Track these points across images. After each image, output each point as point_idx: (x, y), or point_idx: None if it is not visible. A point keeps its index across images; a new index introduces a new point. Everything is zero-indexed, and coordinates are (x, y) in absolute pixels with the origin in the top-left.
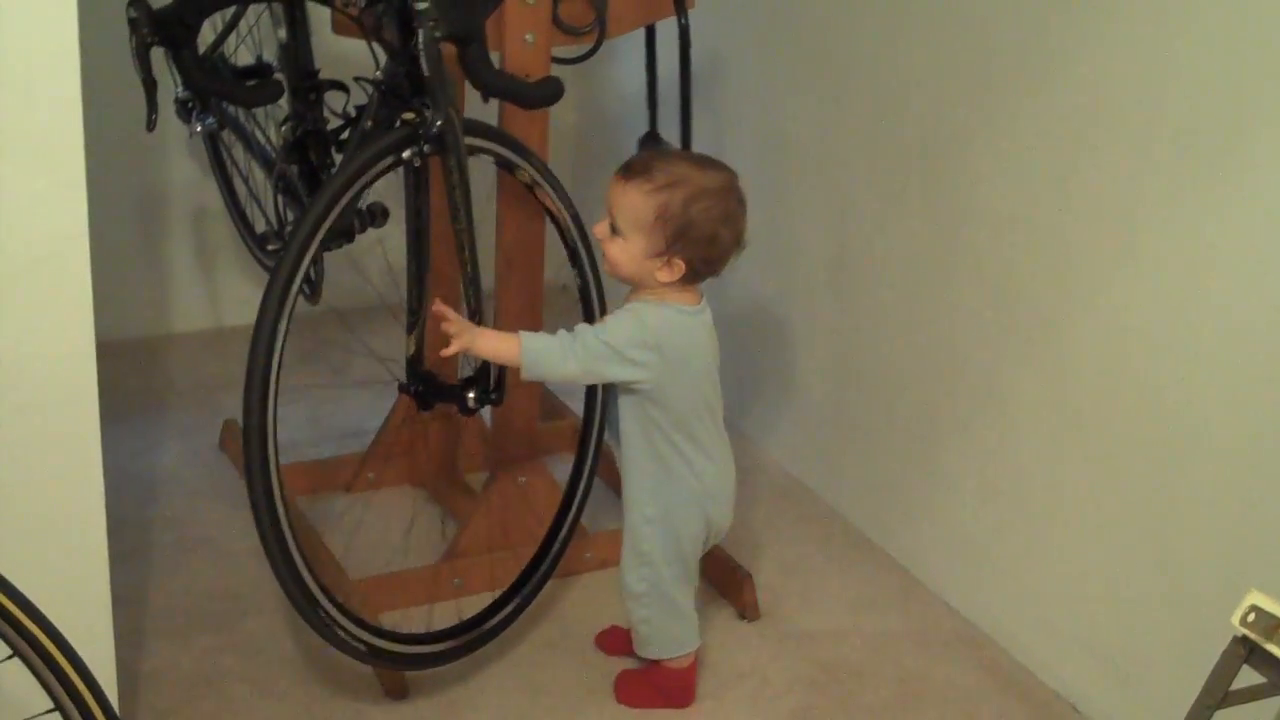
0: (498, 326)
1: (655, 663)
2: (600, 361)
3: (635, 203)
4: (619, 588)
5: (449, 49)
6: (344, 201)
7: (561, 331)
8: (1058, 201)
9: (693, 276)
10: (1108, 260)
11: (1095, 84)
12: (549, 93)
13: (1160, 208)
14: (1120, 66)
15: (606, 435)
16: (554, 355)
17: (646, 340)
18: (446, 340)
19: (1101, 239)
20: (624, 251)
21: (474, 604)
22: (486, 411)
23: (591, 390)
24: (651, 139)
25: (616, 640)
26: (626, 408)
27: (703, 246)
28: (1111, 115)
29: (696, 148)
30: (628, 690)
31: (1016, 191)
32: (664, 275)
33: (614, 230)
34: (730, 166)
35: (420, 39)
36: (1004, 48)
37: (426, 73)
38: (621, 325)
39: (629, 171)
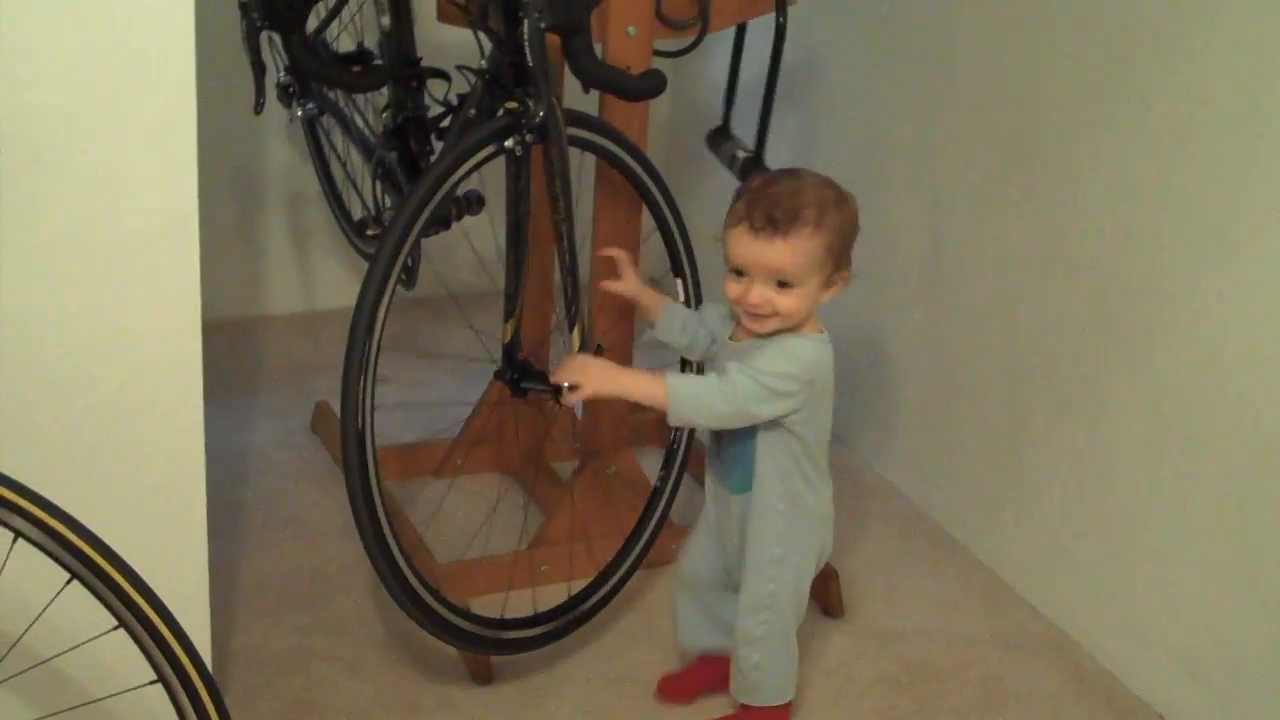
0: (593, 319)
1: (746, 710)
2: (754, 402)
3: (808, 250)
4: (737, 632)
5: (552, 39)
6: (446, 188)
7: (709, 374)
8: (1157, 204)
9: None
10: (1206, 265)
11: (1198, 86)
12: (652, 85)
13: (1261, 212)
14: (1223, 68)
15: (714, 481)
16: (704, 398)
17: (800, 375)
18: (543, 334)
19: (1200, 243)
20: (801, 298)
21: (559, 592)
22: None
23: None
24: (721, 134)
25: (683, 685)
26: (766, 447)
27: (850, 248)
28: (1213, 118)
29: (786, 145)
30: None
31: (1115, 193)
32: (828, 296)
33: (783, 285)
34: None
35: (526, 28)
36: (1107, 48)
37: (531, 62)
38: (775, 362)
39: (777, 227)
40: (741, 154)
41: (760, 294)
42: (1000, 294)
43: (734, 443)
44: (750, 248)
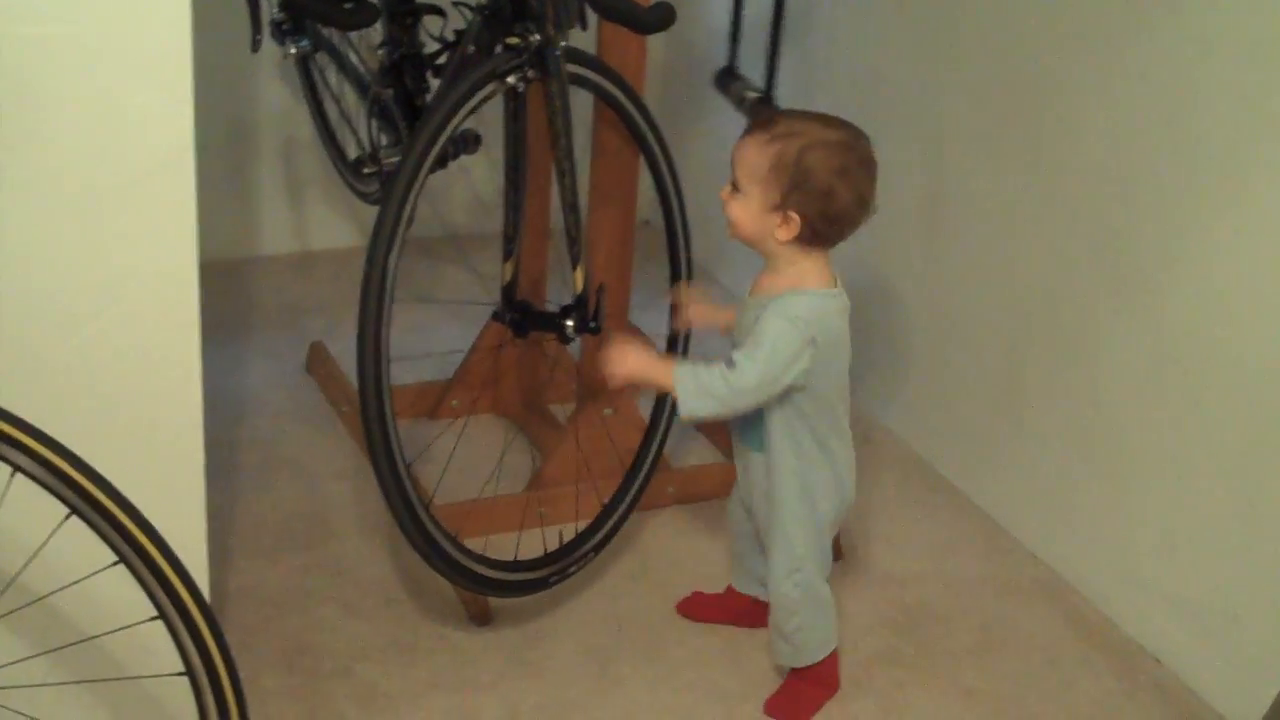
0: (589, 257)
1: (797, 674)
2: (768, 386)
3: (752, 154)
4: (773, 597)
5: None
6: (454, 125)
7: (721, 368)
8: (1160, 150)
9: (813, 237)
10: (1209, 210)
11: (1204, 31)
12: (662, 17)
13: (1265, 160)
14: (1230, 12)
15: (734, 436)
16: (714, 393)
17: (804, 337)
18: (540, 274)
19: (1203, 189)
20: (744, 209)
21: (556, 534)
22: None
23: (675, 325)
24: (728, 75)
25: (704, 606)
26: (776, 409)
27: (818, 200)
28: (1220, 64)
29: (785, 87)
30: (781, 702)
31: (1119, 139)
32: (782, 233)
33: (735, 188)
34: (861, 129)
35: None
36: None
37: None
38: (781, 338)
39: (749, 129)
40: (751, 94)
41: (725, 189)
42: (1001, 240)
43: (776, 427)
44: (734, 148)
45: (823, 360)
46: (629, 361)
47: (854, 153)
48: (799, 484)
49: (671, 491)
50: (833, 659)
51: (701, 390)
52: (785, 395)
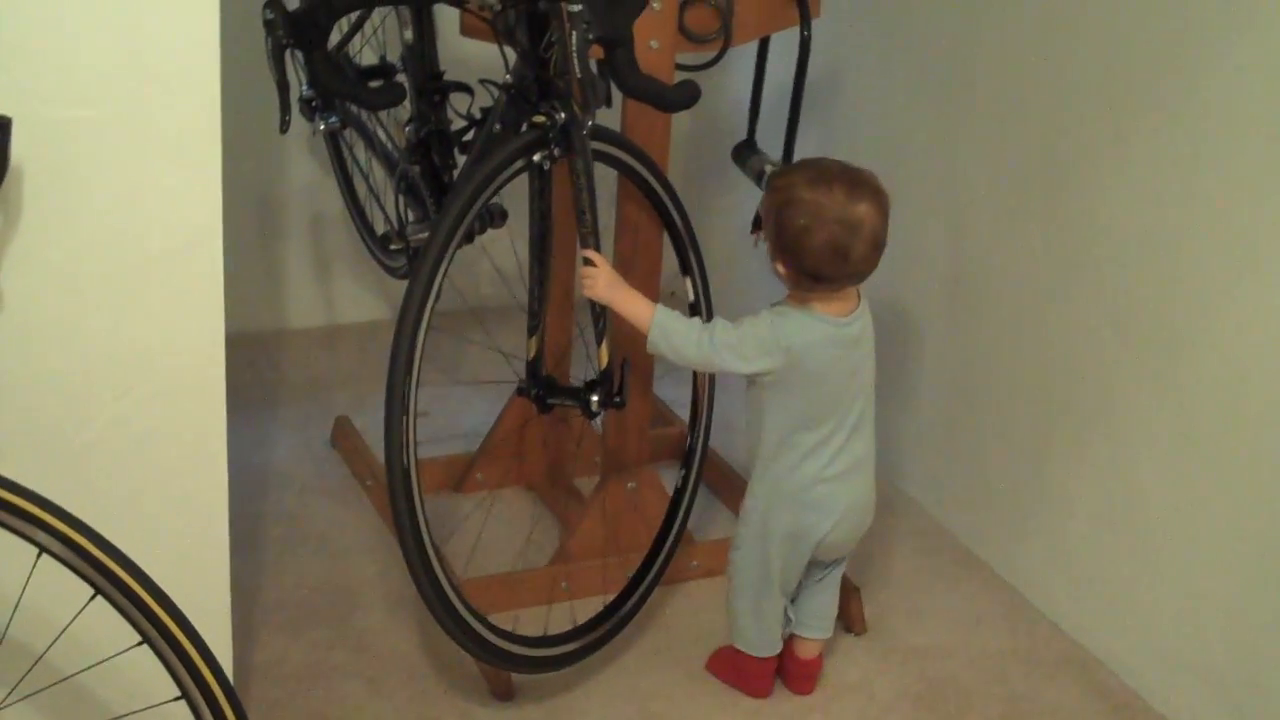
0: (613, 331)
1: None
2: (724, 355)
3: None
4: None
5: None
6: (481, 202)
7: (696, 319)
8: (1181, 218)
9: (804, 281)
10: (1231, 279)
11: (1222, 101)
12: (686, 96)
13: None
14: (1248, 85)
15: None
16: (681, 336)
17: (778, 342)
18: (567, 338)
19: (1224, 257)
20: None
21: (581, 608)
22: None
23: (696, 397)
24: (747, 148)
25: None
26: (759, 386)
27: (792, 254)
28: (1238, 134)
29: (805, 157)
30: (717, 656)
31: (1139, 208)
32: (781, 272)
33: None
34: (875, 200)
35: (574, 41)
36: (1132, 63)
37: (578, 74)
38: (756, 326)
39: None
40: (769, 167)
41: None
42: (1023, 308)
43: (751, 411)
44: None
45: (798, 371)
46: (599, 288)
47: (824, 209)
48: (763, 469)
49: (696, 565)
50: (761, 664)
51: (674, 331)
52: (774, 396)
